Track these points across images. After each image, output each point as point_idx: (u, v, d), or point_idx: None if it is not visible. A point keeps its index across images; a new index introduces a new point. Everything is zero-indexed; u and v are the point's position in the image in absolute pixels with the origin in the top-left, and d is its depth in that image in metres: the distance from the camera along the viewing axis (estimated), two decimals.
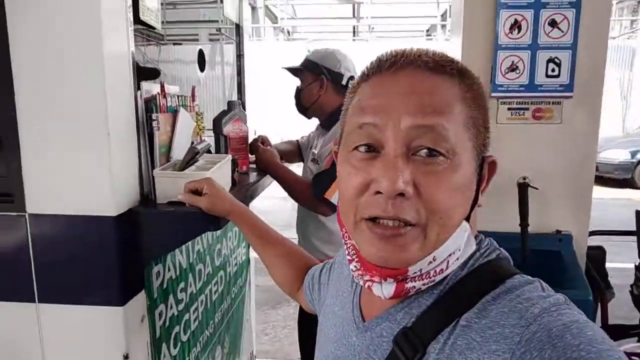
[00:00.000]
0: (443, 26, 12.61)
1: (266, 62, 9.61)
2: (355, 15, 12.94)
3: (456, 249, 0.54)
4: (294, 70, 1.80)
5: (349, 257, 0.59)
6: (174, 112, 1.32)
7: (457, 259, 0.55)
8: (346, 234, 0.59)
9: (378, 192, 0.51)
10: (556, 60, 1.46)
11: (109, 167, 1.05)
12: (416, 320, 0.55)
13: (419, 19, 12.87)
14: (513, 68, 1.49)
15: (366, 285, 0.56)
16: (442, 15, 12.52)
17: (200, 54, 1.63)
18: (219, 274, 1.85)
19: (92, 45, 1.00)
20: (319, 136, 1.82)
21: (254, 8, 11.36)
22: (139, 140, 1.17)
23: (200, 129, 1.52)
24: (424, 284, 0.54)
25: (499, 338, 0.47)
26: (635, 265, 1.70)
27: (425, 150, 0.51)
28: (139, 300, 1.18)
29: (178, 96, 1.35)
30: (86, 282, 1.10)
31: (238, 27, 2.21)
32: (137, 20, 1.17)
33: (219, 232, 1.79)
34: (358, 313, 0.64)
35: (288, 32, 12.82)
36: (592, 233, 1.77)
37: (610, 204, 5.86)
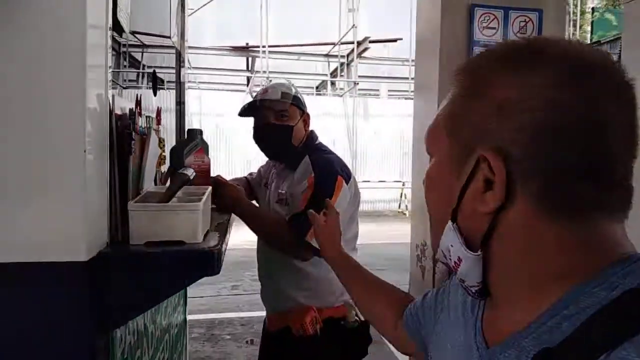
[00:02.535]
0: (332, 83, 13.36)
1: None
2: (250, 68, 13.11)
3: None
4: (266, 107, 1.56)
5: None
6: (143, 135, 1.09)
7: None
8: None
9: None
10: None
11: (83, 194, 0.79)
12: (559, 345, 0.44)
13: (310, 75, 13.46)
14: None
15: None
16: (331, 73, 13.28)
17: (154, 76, 1.40)
18: (165, 338, 1.53)
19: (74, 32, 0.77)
20: (280, 174, 1.64)
21: None
22: (111, 165, 0.92)
23: (161, 159, 1.28)
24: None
25: None
26: None
27: None
28: None
29: (147, 116, 1.12)
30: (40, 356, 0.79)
31: (179, 76, 2.01)
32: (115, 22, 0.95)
33: None
34: (481, 339, 0.54)
35: None
36: None
37: None
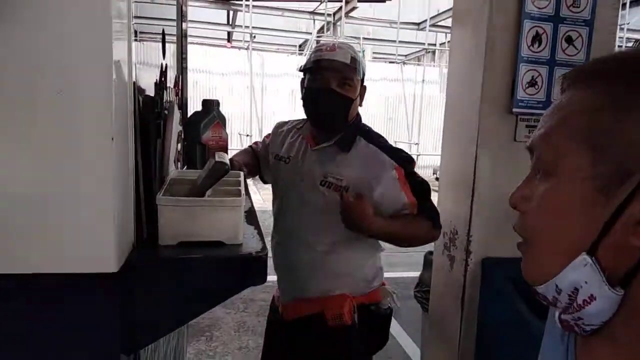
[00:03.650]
0: (318, 42, 12.92)
1: None
2: (231, 22, 12.50)
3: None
4: (332, 70, 1.31)
5: None
6: (165, 111, 0.92)
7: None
8: None
9: None
10: None
11: (111, 187, 0.64)
12: None
13: (294, 33, 12.97)
14: (532, 83, 1.40)
15: None
16: (317, 32, 12.82)
17: (163, 36, 1.20)
18: None
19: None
20: (325, 152, 1.39)
21: None
22: (136, 151, 0.76)
23: (180, 136, 1.11)
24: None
25: None
26: None
27: None
28: None
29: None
30: None
31: (181, 30, 1.81)
32: None
33: None
34: None
35: None
36: None
37: None
